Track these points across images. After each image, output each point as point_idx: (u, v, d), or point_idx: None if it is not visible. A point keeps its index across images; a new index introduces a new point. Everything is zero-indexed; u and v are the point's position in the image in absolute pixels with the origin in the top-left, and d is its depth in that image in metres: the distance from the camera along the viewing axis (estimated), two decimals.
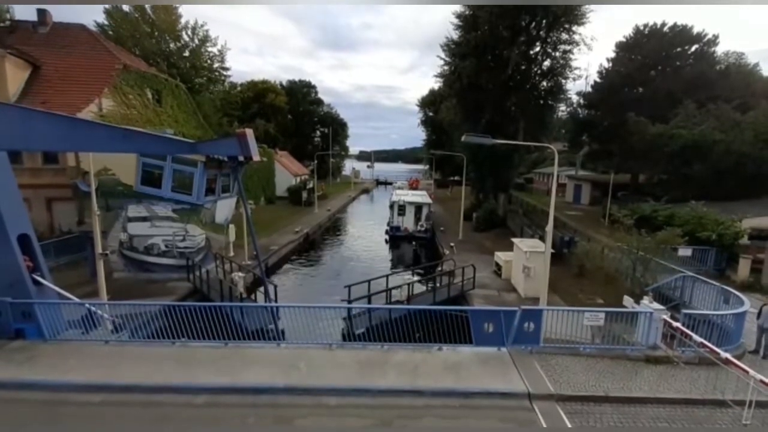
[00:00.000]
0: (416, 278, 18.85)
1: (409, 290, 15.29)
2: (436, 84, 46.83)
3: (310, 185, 48.43)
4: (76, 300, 10.78)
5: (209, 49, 42.01)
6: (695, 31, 34.67)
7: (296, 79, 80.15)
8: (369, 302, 14.32)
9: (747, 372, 7.08)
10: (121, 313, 10.65)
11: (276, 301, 13.36)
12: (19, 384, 8.05)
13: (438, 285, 16.31)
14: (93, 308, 10.26)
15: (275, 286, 13.86)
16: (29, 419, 7.21)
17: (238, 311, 11.10)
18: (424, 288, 17.28)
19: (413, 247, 31.79)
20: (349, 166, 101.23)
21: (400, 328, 10.17)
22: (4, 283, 9.65)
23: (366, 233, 37.34)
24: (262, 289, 13.53)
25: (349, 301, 13.88)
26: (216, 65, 43.74)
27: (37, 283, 10.12)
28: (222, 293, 14.55)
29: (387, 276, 15.98)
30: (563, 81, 29.51)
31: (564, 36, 27.83)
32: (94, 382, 8.08)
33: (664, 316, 9.50)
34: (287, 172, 50.50)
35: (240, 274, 15.61)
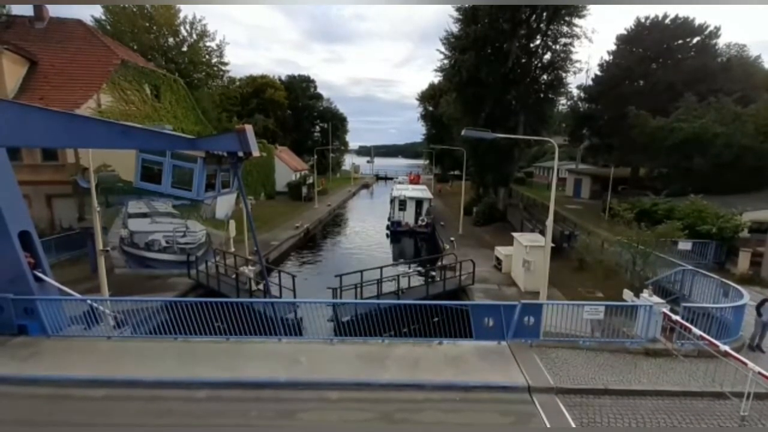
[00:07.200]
0: (410, 270, 18.89)
1: (398, 282, 15.27)
2: (434, 78, 46.60)
3: (310, 180, 48.33)
4: (78, 296, 10.82)
5: (207, 43, 41.69)
6: (696, 23, 34.43)
7: (292, 72, 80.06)
8: (359, 290, 14.39)
9: (746, 364, 7.10)
10: (124, 308, 10.70)
11: (295, 292, 13.60)
12: (22, 379, 8.11)
13: (433, 279, 16.25)
14: (95, 304, 10.31)
15: (293, 277, 13.94)
16: (33, 414, 7.26)
17: (260, 304, 11.19)
18: (420, 281, 17.28)
19: (414, 242, 31.84)
20: (348, 161, 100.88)
21: (388, 319, 10.17)
22: (5, 279, 9.67)
23: (366, 228, 37.33)
24: (275, 281, 13.76)
25: (339, 290, 13.96)
26: (214, 60, 43.42)
27: (38, 280, 10.13)
28: (238, 288, 14.66)
29: (381, 268, 15.93)
30: (564, 74, 29.31)
31: (564, 29, 27.64)
32: (96, 377, 8.14)
33: (664, 310, 9.53)
34: (287, 167, 50.39)
35: (250, 267, 15.66)
